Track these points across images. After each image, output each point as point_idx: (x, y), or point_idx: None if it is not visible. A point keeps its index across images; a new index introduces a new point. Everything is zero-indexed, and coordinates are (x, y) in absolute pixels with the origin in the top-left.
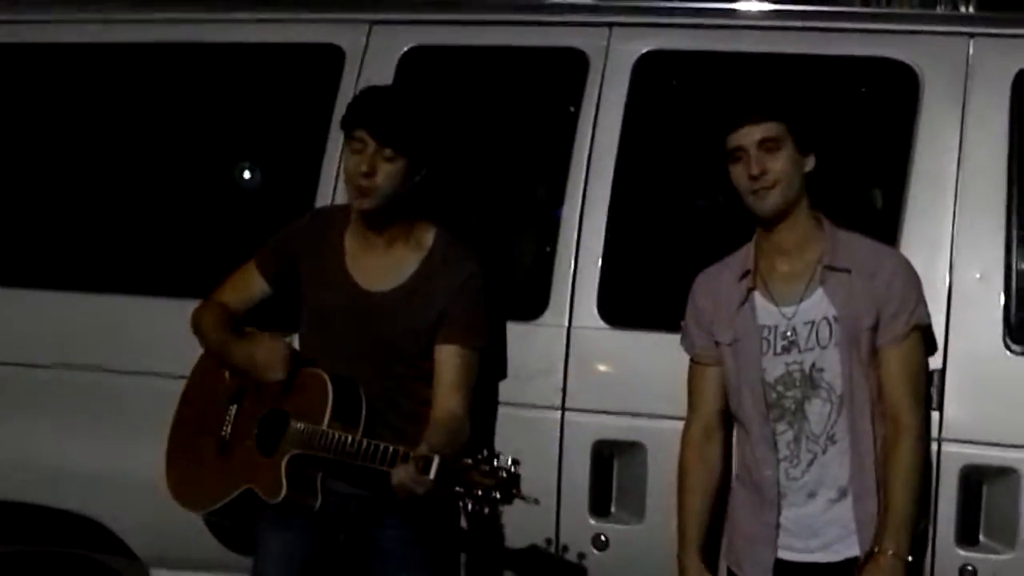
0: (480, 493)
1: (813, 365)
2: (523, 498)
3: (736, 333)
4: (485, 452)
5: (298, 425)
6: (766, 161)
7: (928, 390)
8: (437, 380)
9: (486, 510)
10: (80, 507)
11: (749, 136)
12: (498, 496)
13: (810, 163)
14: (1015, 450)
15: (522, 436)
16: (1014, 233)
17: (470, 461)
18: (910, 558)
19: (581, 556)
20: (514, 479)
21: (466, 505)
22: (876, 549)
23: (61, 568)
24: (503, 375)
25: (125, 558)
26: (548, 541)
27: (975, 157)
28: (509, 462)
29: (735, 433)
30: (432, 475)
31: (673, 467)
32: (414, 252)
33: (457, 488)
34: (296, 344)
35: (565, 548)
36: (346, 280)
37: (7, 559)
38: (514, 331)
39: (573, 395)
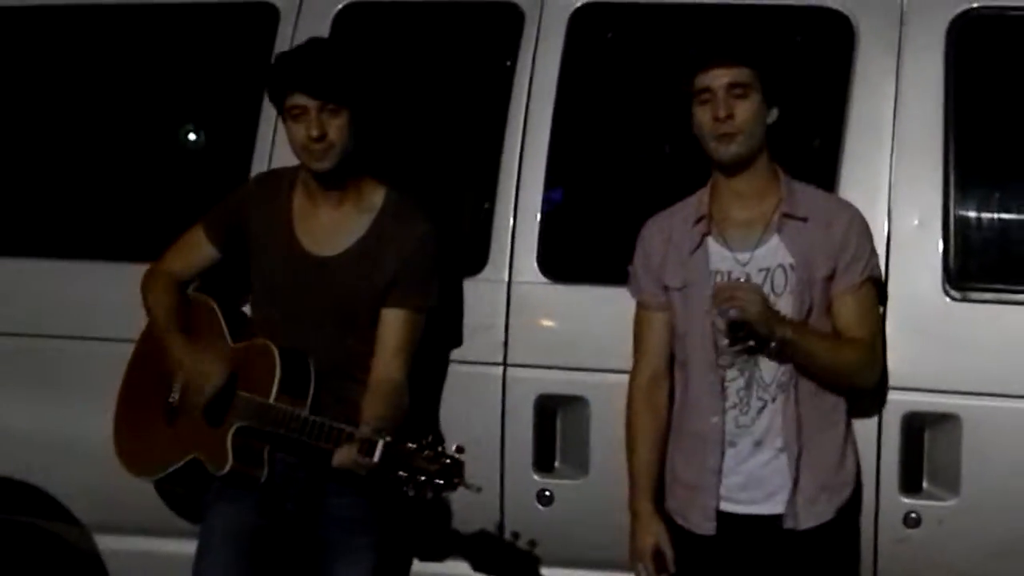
0: (423, 479)
1: None
2: (466, 486)
3: (686, 278)
4: (430, 437)
5: (245, 397)
6: (734, 106)
7: (883, 340)
8: (380, 343)
9: (429, 495)
10: (20, 473)
11: (719, 78)
12: (441, 483)
13: (773, 115)
14: (956, 396)
15: (465, 392)
16: (951, 179)
17: (414, 446)
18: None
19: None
20: (458, 466)
21: (408, 490)
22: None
23: (2, 535)
24: (445, 331)
25: (69, 524)
26: (491, 504)
27: (911, 104)
28: (453, 448)
29: (676, 381)
30: (376, 459)
31: (616, 421)
32: (364, 213)
33: (400, 472)
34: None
35: (507, 500)
36: (294, 246)
37: None
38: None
39: (515, 350)
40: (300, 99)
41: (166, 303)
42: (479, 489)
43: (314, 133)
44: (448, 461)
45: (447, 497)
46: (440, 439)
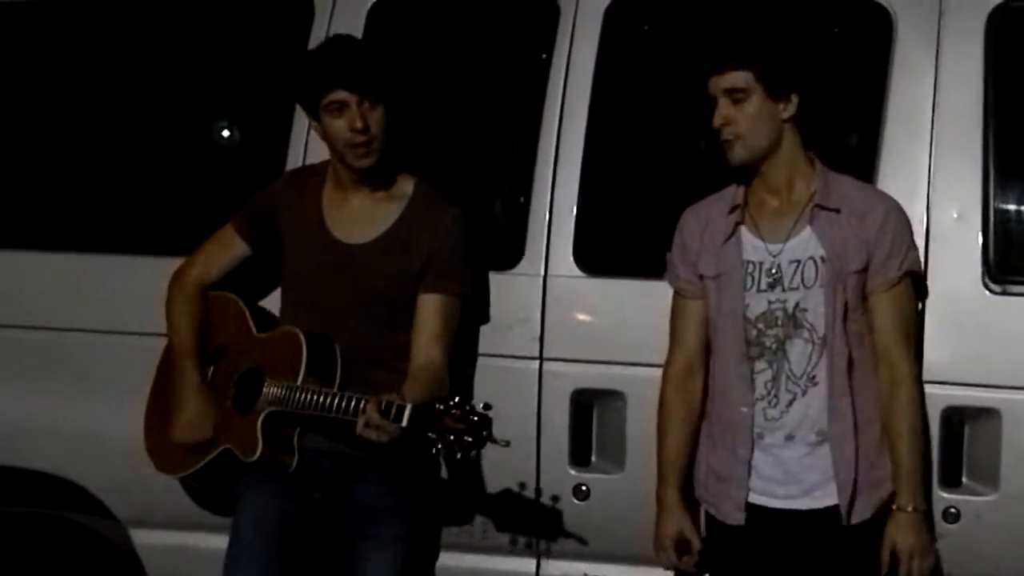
0: (452, 438)
1: (797, 305)
2: (495, 441)
3: (720, 267)
4: (457, 398)
5: (273, 383)
6: (731, 112)
7: (918, 334)
8: (417, 330)
9: (459, 455)
10: (56, 468)
11: (717, 85)
12: (470, 440)
13: (790, 107)
14: (996, 390)
15: (501, 387)
16: (991, 171)
17: (441, 407)
18: (925, 507)
19: (558, 502)
20: (485, 422)
21: (439, 451)
22: (895, 507)
23: (38, 529)
24: (481, 326)
25: (104, 518)
26: (525, 486)
27: (950, 95)
28: (481, 406)
29: (710, 369)
30: (404, 423)
31: (653, 415)
32: (395, 202)
33: (429, 434)
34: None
35: (543, 495)
36: (325, 235)
37: None
38: (490, 281)
39: (551, 344)
40: (340, 94)
41: (186, 324)
42: (507, 443)
43: (358, 125)
44: (475, 418)
45: (482, 487)
46: (466, 398)
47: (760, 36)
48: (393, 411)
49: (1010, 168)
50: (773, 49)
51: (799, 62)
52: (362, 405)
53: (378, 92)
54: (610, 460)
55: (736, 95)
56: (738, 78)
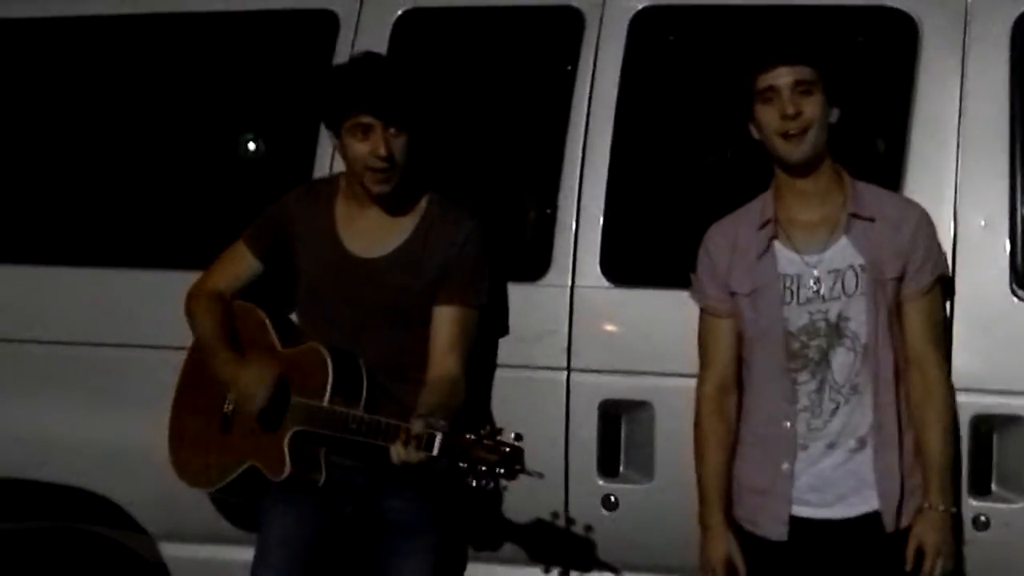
0: (484, 469)
1: (839, 314)
2: (528, 473)
3: (755, 283)
4: (488, 428)
5: (299, 401)
6: (801, 103)
7: (949, 336)
8: (433, 341)
9: (490, 486)
10: (85, 482)
11: (784, 77)
12: (502, 472)
13: (834, 116)
14: None
15: (528, 398)
16: (1018, 179)
17: (473, 437)
18: (954, 510)
19: (587, 513)
20: (518, 454)
21: (470, 481)
22: (927, 505)
23: (68, 543)
24: (507, 337)
25: (134, 532)
26: (553, 498)
27: (976, 103)
28: (513, 437)
29: (744, 386)
30: (435, 452)
31: (681, 425)
32: (409, 215)
33: (461, 464)
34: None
35: (571, 506)
36: (339, 249)
37: (13, 536)
38: (517, 292)
39: (578, 355)
40: (367, 118)
41: (211, 322)
42: (541, 475)
43: (382, 152)
44: (508, 450)
45: (512, 501)
46: (498, 429)
47: (823, 41)
48: (423, 440)
49: None
50: (834, 56)
51: (847, 75)
52: (391, 433)
53: (406, 123)
54: (639, 470)
55: (804, 87)
56: (808, 72)
